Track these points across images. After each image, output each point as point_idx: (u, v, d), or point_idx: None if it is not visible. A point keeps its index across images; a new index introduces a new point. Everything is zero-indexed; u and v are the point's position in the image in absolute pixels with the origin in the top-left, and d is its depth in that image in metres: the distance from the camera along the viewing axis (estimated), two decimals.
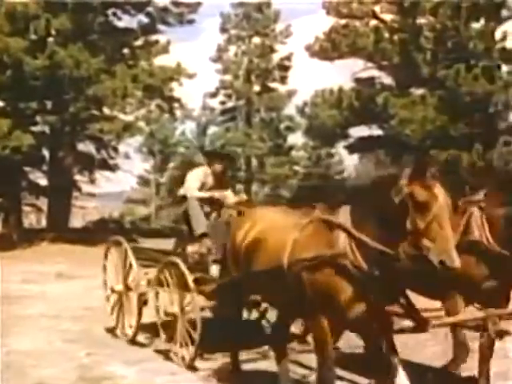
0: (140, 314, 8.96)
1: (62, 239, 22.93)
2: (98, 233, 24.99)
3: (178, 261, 8.19)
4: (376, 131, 26.61)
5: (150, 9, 26.60)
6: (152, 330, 8.98)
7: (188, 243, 8.66)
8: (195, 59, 44.25)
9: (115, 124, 24.15)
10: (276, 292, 6.38)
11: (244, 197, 9.53)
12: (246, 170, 39.75)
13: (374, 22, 25.70)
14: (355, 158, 38.13)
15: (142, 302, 8.96)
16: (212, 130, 44.91)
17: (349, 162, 41.99)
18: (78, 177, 27.54)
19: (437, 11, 21.23)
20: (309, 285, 5.77)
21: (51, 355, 8.41)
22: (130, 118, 25.70)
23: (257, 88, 40.25)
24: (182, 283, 8.08)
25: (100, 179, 27.66)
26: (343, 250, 5.54)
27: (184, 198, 8.86)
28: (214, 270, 8.18)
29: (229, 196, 9.11)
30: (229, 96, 41.11)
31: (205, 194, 8.83)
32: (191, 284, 7.89)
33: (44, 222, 29.25)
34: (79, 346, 8.90)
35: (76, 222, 32.88)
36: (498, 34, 20.91)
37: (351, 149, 28.01)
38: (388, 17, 25.41)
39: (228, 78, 40.86)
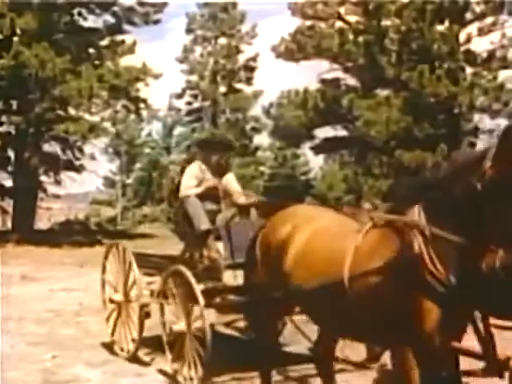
0: (142, 327, 8.02)
1: (27, 241, 22.55)
2: (64, 234, 24.72)
3: (183, 269, 7.27)
4: (341, 132, 26.64)
5: (115, 8, 26.31)
6: (154, 344, 8.10)
7: (197, 247, 7.69)
8: (161, 59, 44.13)
9: (81, 125, 23.82)
10: (329, 311, 5.16)
11: (254, 197, 8.37)
12: None
13: (339, 24, 25.68)
14: (321, 158, 38.23)
15: (144, 314, 8.08)
16: (178, 130, 44.85)
17: (314, 163, 42.07)
18: (43, 178, 27.07)
19: (401, 13, 21.25)
20: (376, 304, 4.60)
21: (15, 358, 8.14)
22: (95, 118, 25.42)
23: (223, 89, 40.22)
24: (189, 295, 7.13)
25: (65, 180, 27.25)
26: (420, 258, 4.35)
27: (181, 199, 8.00)
28: (228, 277, 7.32)
29: (236, 193, 8.11)
30: (195, 97, 41.02)
31: (198, 189, 7.88)
32: (199, 296, 6.90)
33: (9, 224, 28.83)
34: (43, 348, 8.68)
35: (41, 223, 32.38)
36: (461, 37, 20.97)
37: (317, 149, 27.96)
38: (353, 18, 25.39)
39: (194, 78, 40.78)
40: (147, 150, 45.02)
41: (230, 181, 8.29)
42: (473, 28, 20.80)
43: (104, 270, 8.88)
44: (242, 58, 40.25)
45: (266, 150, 41.21)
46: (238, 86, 40.27)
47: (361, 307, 4.69)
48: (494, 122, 21.11)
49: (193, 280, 7.10)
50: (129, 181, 44.78)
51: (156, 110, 34.87)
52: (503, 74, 20.34)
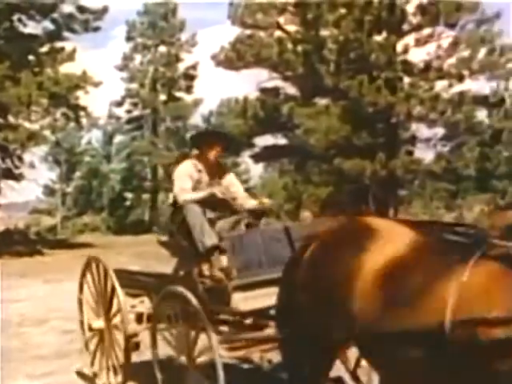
0: (129, 360, 6.80)
1: None
2: (3, 244, 24.11)
3: (183, 290, 6.02)
4: (281, 140, 26.64)
5: (55, 15, 25.80)
6: (147, 377, 6.65)
7: (195, 263, 6.34)
8: (102, 67, 43.49)
9: (20, 133, 23.30)
10: (410, 360, 3.81)
11: (266, 200, 7.04)
12: (152, 179, 39.30)
13: (278, 33, 25.69)
14: (260, 166, 38.21)
15: (133, 346, 6.84)
16: (118, 138, 44.37)
17: (254, 171, 42.04)
18: None
19: (340, 23, 21.33)
20: (488, 361, 3.40)
21: None
22: (35, 126, 24.88)
23: (163, 97, 39.89)
24: (191, 322, 5.96)
25: (5, 189, 26.67)
26: None
27: (176, 205, 6.71)
28: (238, 300, 5.87)
29: (242, 196, 6.93)
30: (135, 105, 40.61)
31: (200, 194, 6.57)
32: (208, 324, 5.74)
33: None
34: None
35: None
36: (399, 47, 21.14)
37: (257, 158, 27.90)
38: (292, 28, 25.43)
39: (134, 86, 40.38)
40: (87, 159, 44.44)
41: (233, 182, 7.08)
42: (410, 39, 21.05)
43: (81, 289, 7.60)
44: (181, 67, 40.00)
45: None
46: (178, 94, 39.99)
47: (463, 361, 3.52)
48: (431, 131, 21.39)
49: (197, 304, 5.85)
50: (69, 189, 44.09)
51: (96, 118, 34.39)
52: (439, 84, 20.56)
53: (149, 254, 19.98)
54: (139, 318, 6.96)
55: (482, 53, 20.18)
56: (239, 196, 6.93)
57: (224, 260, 6.13)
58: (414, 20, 20.76)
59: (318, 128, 21.45)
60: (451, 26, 20.51)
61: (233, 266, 5.93)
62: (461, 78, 20.35)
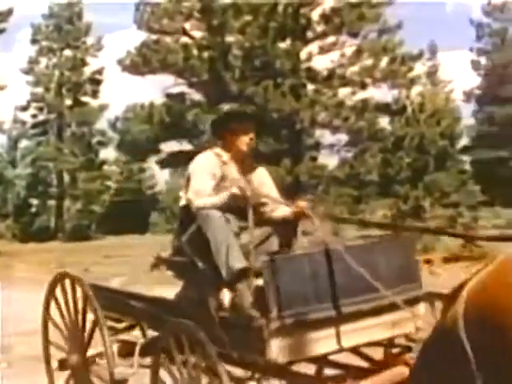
0: None
1: None
2: None
3: (196, 331, 4.45)
4: (186, 146, 26.21)
5: None
6: None
7: (212, 290, 4.75)
8: (6, 70, 42.02)
9: None
10: None
11: (303, 204, 4.88)
12: (57, 186, 38.24)
13: (184, 39, 25.27)
14: (166, 172, 37.69)
15: None
16: (23, 143, 42.95)
17: (160, 177, 41.45)
18: None
19: (245, 30, 21.04)
20: None
21: None
22: None
23: (68, 102, 38.84)
24: (206, 371, 4.47)
25: None
26: None
27: (188, 210, 4.96)
28: (276, 348, 4.29)
29: (276, 198, 5.15)
30: (40, 109, 39.42)
31: (218, 198, 4.88)
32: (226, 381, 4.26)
33: None
34: None
35: None
36: (303, 55, 21.02)
37: (162, 164, 27.38)
38: (198, 34, 25.06)
39: (39, 90, 39.19)
40: None
41: (264, 181, 5.31)
42: (314, 46, 20.90)
43: (47, 308, 5.89)
44: (87, 71, 39.06)
45: (112, 164, 40.06)
46: (84, 99, 39.00)
47: None
48: (335, 137, 21.35)
49: (214, 354, 4.36)
50: None
51: (0, 123, 33.35)
52: (343, 92, 20.55)
53: (54, 261, 19.38)
54: (122, 355, 5.36)
55: (384, 61, 20.25)
56: (272, 199, 5.15)
57: (244, 287, 4.57)
58: (318, 28, 20.68)
59: None
60: (354, 34, 20.55)
61: (272, 300, 4.27)
62: (364, 86, 20.40)
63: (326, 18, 20.22)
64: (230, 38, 22.67)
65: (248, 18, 21.24)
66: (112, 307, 5.47)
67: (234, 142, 5.18)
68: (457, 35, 78.02)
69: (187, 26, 25.39)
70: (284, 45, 21.05)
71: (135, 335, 5.50)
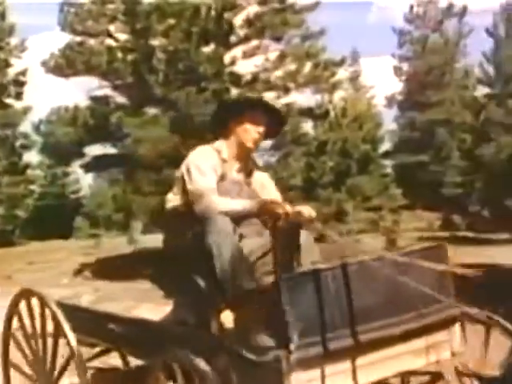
0: None
1: None
2: None
3: (205, 367, 3.65)
4: (111, 150, 25.67)
5: None
6: None
7: (211, 311, 3.96)
8: None
9: None
10: None
11: (307, 210, 4.29)
12: None
13: (109, 41, 24.75)
14: (90, 176, 37.04)
15: None
16: None
17: (84, 181, 40.74)
18: None
19: (168, 34, 20.70)
20: None
21: None
22: None
23: None
24: None
25: None
26: None
27: (181, 213, 4.41)
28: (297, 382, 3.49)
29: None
30: None
31: (241, 204, 4.31)
32: None
33: None
34: None
35: None
36: (227, 59, 20.76)
37: (87, 167, 26.72)
38: (122, 36, 24.55)
39: None
40: None
41: (264, 183, 4.83)
42: (238, 51, 20.64)
43: (9, 328, 5.07)
44: (11, 72, 37.99)
45: (36, 168, 39.04)
46: (8, 100, 37.86)
47: None
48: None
49: None
50: None
51: None
52: (267, 96, 20.40)
53: None
54: (103, 381, 4.53)
55: (307, 67, 20.15)
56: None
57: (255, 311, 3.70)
58: (242, 32, 20.46)
59: (147, 138, 20.70)
60: (277, 39, 20.44)
61: (293, 325, 3.45)
62: (287, 91, 20.29)
63: (248, 22, 20.02)
64: (154, 42, 22.25)
65: (171, 21, 20.88)
66: (86, 330, 4.64)
67: (240, 136, 4.60)
68: (380, 42, 79.29)
69: (112, 28, 24.85)
70: (208, 49, 20.74)
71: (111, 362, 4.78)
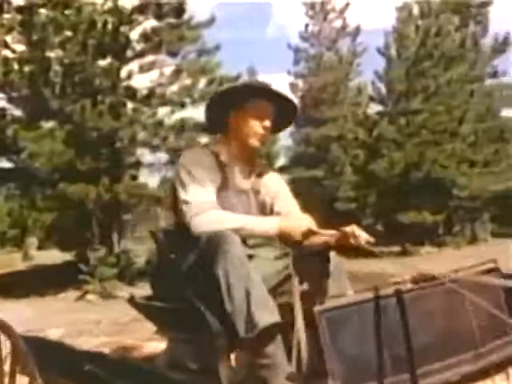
0: None
1: None
2: None
3: None
4: (6, 164, 24.88)
5: None
6: None
7: (220, 353, 3.19)
8: None
9: None
10: None
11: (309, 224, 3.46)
12: None
13: (5, 52, 24.01)
14: None
15: None
16: None
17: None
18: None
19: (65, 46, 20.29)
20: None
21: None
22: None
23: None
24: None
25: None
26: None
27: (177, 233, 3.58)
28: None
29: (298, 217, 3.62)
30: None
31: (261, 223, 3.49)
32: None
33: None
34: None
35: None
36: (123, 73, 20.51)
37: None
38: (19, 47, 23.88)
39: None
40: None
41: (280, 190, 3.91)
42: (134, 65, 20.44)
43: None
44: None
45: None
46: None
47: None
48: (154, 156, 21.01)
49: None
50: None
51: None
52: (162, 111, 20.28)
53: None
54: None
55: (202, 82, 20.17)
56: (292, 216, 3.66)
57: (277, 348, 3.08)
58: (138, 47, 20.25)
59: (42, 152, 20.16)
60: (174, 54, 20.36)
61: (336, 371, 2.73)
62: (183, 106, 20.20)
63: (145, 37, 19.81)
64: (51, 53, 21.75)
65: (68, 33, 20.48)
66: (57, 371, 3.40)
67: (242, 132, 3.73)
68: (277, 58, 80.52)
69: (8, 39, 24.14)
70: (104, 62, 20.41)
71: None
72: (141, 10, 19.98)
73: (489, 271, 3.34)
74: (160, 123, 19.72)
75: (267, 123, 3.75)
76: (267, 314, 3.10)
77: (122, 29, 19.82)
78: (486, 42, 35.07)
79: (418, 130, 28.30)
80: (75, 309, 15.83)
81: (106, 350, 4.91)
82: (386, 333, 2.89)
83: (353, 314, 2.87)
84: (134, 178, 20.88)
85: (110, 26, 19.45)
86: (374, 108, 32.26)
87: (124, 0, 19.92)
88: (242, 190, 3.79)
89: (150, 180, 21.80)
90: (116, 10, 19.69)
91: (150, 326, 3.82)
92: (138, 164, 21.13)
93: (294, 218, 3.51)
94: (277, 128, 3.98)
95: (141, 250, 21.27)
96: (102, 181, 19.13)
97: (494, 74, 35.60)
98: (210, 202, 3.50)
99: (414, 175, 27.90)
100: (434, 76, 28.73)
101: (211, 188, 3.57)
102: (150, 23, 20.21)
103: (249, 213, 3.66)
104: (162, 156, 20.78)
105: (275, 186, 3.93)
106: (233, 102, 3.79)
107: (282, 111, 3.89)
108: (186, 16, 20.25)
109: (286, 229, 3.41)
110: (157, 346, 4.33)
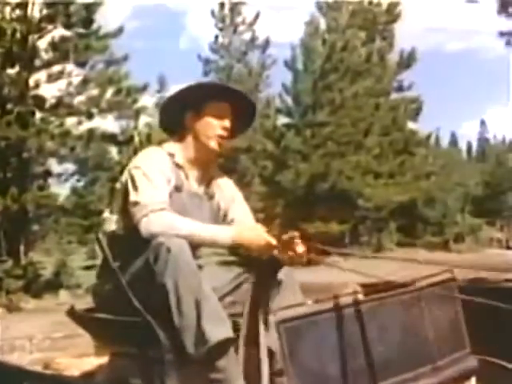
0: None
1: None
2: None
3: None
4: None
5: None
6: None
7: (168, 370, 2.97)
8: None
9: None
10: None
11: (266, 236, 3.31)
12: None
13: None
14: None
15: None
16: None
17: None
18: None
19: None
20: None
21: None
22: None
23: None
24: None
25: None
26: None
27: (124, 238, 3.41)
28: None
29: (251, 226, 3.48)
30: None
31: (215, 231, 3.33)
32: None
33: None
34: None
35: None
36: (31, 82, 20.58)
37: None
38: None
39: None
40: None
41: (235, 197, 3.87)
42: (42, 74, 20.50)
43: None
44: None
45: None
46: None
47: None
48: (62, 166, 21.12)
49: None
50: None
51: None
52: (70, 121, 20.43)
53: None
54: None
55: (110, 92, 20.37)
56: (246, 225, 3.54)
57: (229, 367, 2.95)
58: (46, 56, 20.38)
59: None
60: (82, 64, 20.51)
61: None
62: (90, 116, 20.38)
63: (53, 46, 19.96)
64: None
65: None
66: None
67: (200, 133, 3.62)
68: (188, 69, 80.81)
69: None
70: (12, 71, 20.47)
71: None
72: (50, 18, 20.12)
73: (444, 281, 3.32)
74: (67, 133, 19.84)
75: (227, 123, 3.67)
76: (219, 329, 2.95)
77: (31, 37, 19.93)
78: (392, 57, 36.59)
79: (323, 142, 29.31)
80: None
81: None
82: (347, 345, 2.81)
83: (312, 324, 2.76)
84: (42, 188, 20.94)
85: (18, 35, 19.55)
86: (281, 120, 33.12)
87: (33, 9, 20.03)
88: (196, 194, 3.69)
89: (60, 190, 21.91)
90: (25, 19, 19.78)
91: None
92: (46, 174, 21.19)
93: (251, 229, 3.33)
94: (234, 131, 3.86)
95: (48, 262, 21.36)
96: (10, 191, 19.15)
97: (400, 88, 37.16)
98: (161, 202, 3.32)
99: (319, 186, 28.85)
100: (340, 89, 29.84)
101: (164, 189, 3.40)
102: (58, 32, 20.36)
103: (201, 217, 3.48)
104: (70, 166, 20.94)
105: (230, 191, 3.85)
106: (189, 103, 3.67)
107: (239, 113, 3.82)
108: (94, 26, 20.47)
109: (242, 241, 3.25)
110: (93, 361, 4.25)
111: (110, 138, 21.03)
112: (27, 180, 20.67)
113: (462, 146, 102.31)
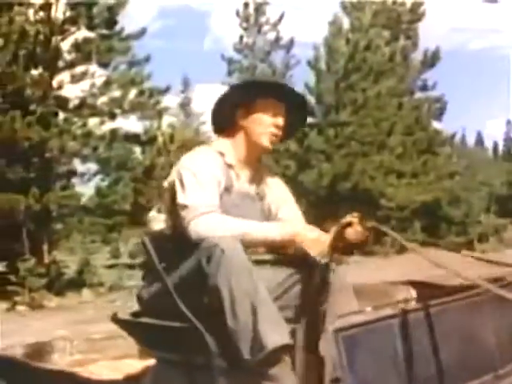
0: None
1: None
2: None
3: None
4: None
5: None
6: None
7: (220, 378, 2.84)
8: None
9: None
10: None
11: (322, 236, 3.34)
12: None
13: None
14: None
15: None
16: None
17: None
18: None
19: None
20: None
21: None
22: None
23: None
24: None
25: None
26: None
27: (174, 239, 3.35)
28: None
29: (301, 227, 3.46)
30: None
31: (268, 229, 3.30)
32: None
33: None
34: None
35: None
36: (54, 83, 20.85)
37: None
38: None
39: None
40: None
41: (284, 197, 3.80)
42: (65, 75, 20.76)
43: None
44: None
45: None
46: None
47: None
48: (85, 166, 21.35)
49: None
50: None
51: None
52: (92, 121, 20.66)
53: None
54: None
55: (132, 93, 20.58)
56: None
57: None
58: (69, 57, 20.63)
59: None
60: (104, 65, 20.73)
61: None
62: (113, 116, 20.58)
63: (77, 47, 20.22)
64: None
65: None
66: None
67: (251, 131, 3.55)
68: (212, 69, 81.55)
69: None
70: (35, 72, 20.74)
71: None
72: (73, 20, 20.38)
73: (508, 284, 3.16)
74: (90, 133, 20.08)
75: (280, 121, 3.59)
76: (277, 334, 2.81)
77: (54, 39, 20.19)
78: (416, 56, 36.48)
79: (346, 142, 29.32)
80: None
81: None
82: (407, 353, 2.69)
83: (371, 332, 2.67)
84: (65, 188, 21.20)
85: (41, 37, 19.80)
86: None
87: (56, 10, 20.30)
88: (247, 194, 3.63)
89: (82, 190, 22.16)
90: (48, 21, 20.04)
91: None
92: (69, 174, 21.45)
93: (305, 228, 3.30)
94: (287, 133, 3.78)
95: (71, 261, 21.63)
96: (32, 191, 19.42)
97: (424, 88, 37.03)
98: (210, 205, 3.25)
99: (342, 186, 28.85)
100: (363, 89, 29.80)
101: (215, 191, 3.35)
102: (81, 33, 20.62)
103: (252, 218, 3.37)
104: (92, 166, 21.18)
105: (281, 192, 3.78)
106: (241, 101, 3.63)
107: (292, 114, 3.75)
108: (117, 27, 20.71)
109: (297, 237, 3.18)
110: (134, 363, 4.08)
111: (133, 138, 21.23)
112: (50, 180, 20.96)
113: (489, 145, 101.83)
